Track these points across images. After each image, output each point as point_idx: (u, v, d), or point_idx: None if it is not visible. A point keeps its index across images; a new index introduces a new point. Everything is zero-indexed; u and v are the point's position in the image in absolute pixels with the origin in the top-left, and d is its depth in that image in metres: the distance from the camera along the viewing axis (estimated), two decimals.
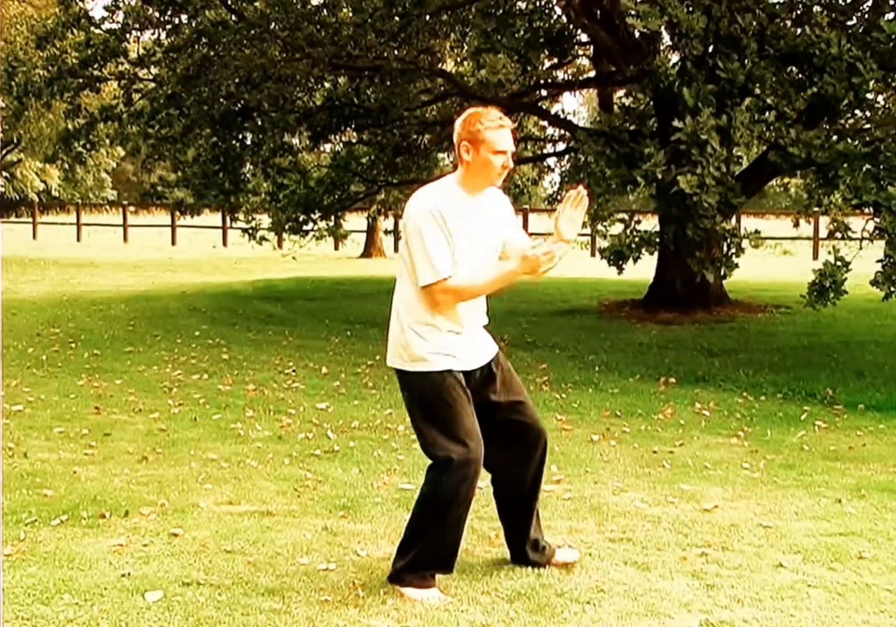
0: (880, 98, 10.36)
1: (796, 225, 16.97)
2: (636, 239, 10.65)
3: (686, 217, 9.49)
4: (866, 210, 10.23)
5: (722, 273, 10.57)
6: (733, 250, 10.17)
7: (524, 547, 4.29)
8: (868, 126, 10.42)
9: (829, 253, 9.60)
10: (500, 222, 4.09)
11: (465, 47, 15.63)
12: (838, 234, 10.41)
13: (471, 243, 3.95)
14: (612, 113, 13.93)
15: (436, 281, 3.87)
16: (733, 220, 11.30)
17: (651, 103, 12.57)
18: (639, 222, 12.71)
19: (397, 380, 4.15)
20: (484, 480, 5.52)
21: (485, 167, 3.95)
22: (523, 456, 4.20)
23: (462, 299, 3.97)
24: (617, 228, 13.35)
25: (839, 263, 9.15)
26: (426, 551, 4.03)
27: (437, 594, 3.96)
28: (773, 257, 23.82)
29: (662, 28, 10.37)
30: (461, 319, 4.01)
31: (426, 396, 4.02)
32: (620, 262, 10.79)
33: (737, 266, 10.40)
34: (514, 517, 4.31)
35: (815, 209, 10.65)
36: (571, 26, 13.50)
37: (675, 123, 9.00)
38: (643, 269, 13.78)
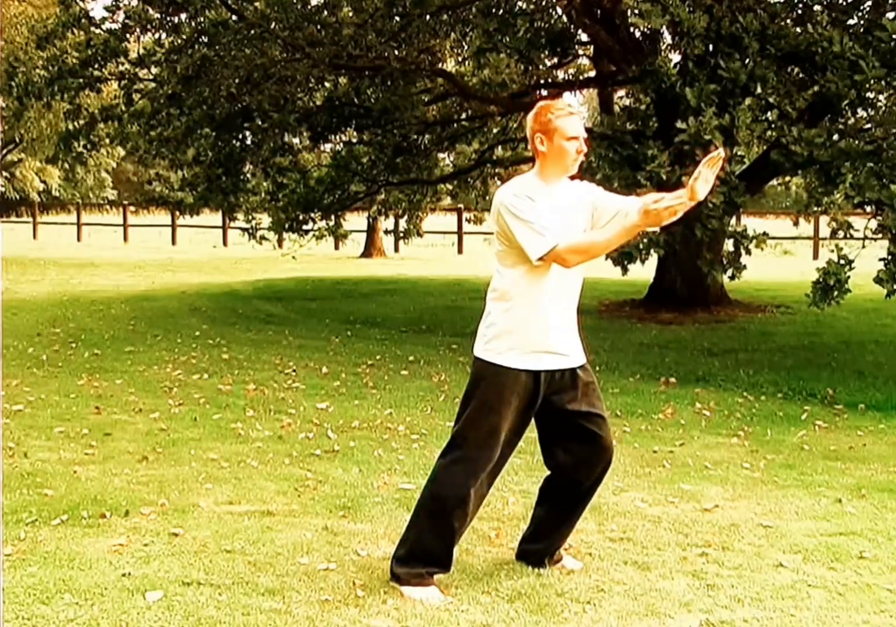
0: (882, 97, 10.34)
1: (796, 224, 16.97)
2: (644, 240, 10.64)
3: (693, 217, 9.48)
4: (868, 209, 10.22)
5: (731, 274, 10.56)
6: (742, 251, 10.17)
7: (544, 550, 4.29)
8: (869, 125, 10.42)
9: (832, 251, 9.59)
10: (582, 208, 4.08)
11: (466, 47, 15.62)
12: (840, 233, 10.40)
13: (561, 225, 3.95)
14: (613, 114, 13.93)
15: (549, 248, 3.88)
16: (734, 220, 11.29)
17: (652, 104, 12.55)
18: None
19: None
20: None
21: (560, 154, 4.01)
22: (586, 466, 4.19)
23: (589, 255, 3.97)
24: None
25: (842, 261, 9.15)
26: (421, 545, 4.05)
27: (437, 593, 3.96)
28: (774, 257, 23.78)
29: (664, 28, 10.38)
30: (542, 320, 4.00)
31: (475, 380, 4.06)
32: (626, 263, 10.78)
33: (744, 267, 10.41)
34: (553, 517, 4.30)
35: (815, 209, 10.62)
36: (572, 26, 13.49)
37: (679, 124, 8.99)
38: (643, 269, 13.77)
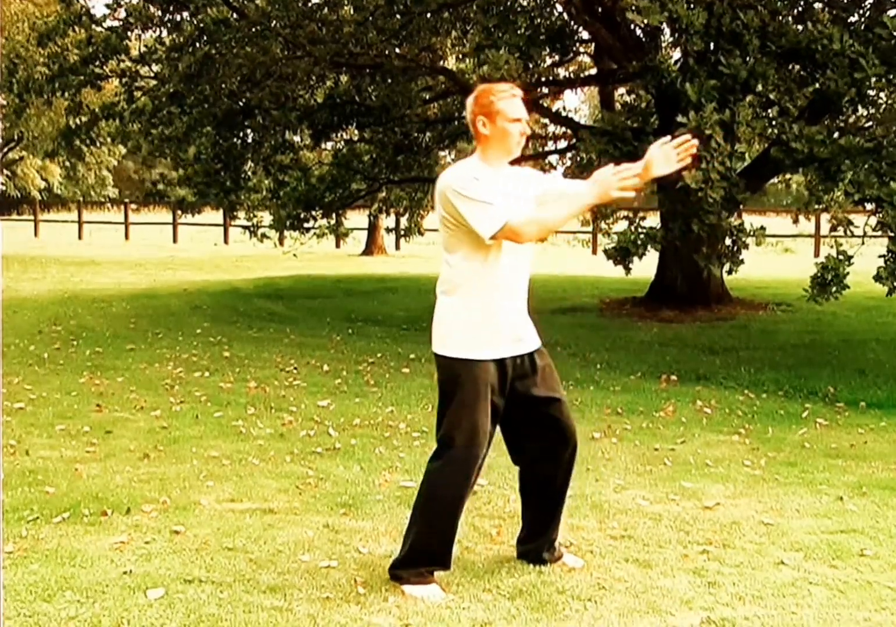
0: (882, 95, 10.34)
1: (796, 221, 16.97)
2: (641, 236, 10.64)
3: (691, 213, 9.49)
4: (868, 206, 10.22)
5: (728, 269, 10.56)
6: (739, 246, 10.17)
7: (541, 546, 4.29)
8: (870, 123, 10.42)
9: (831, 247, 9.61)
10: (528, 192, 4.06)
11: (467, 45, 15.61)
12: (840, 229, 10.40)
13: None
14: (613, 111, 13.92)
15: (501, 224, 3.85)
16: (734, 216, 11.27)
17: (653, 101, 12.55)
18: (643, 219, 12.69)
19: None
20: (484, 478, 5.54)
21: (503, 137, 4.00)
22: (553, 453, 4.20)
23: (544, 228, 3.98)
24: (620, 226, 13.34)
25: (841, 257, 9.16)
26: (420, 546, 4.05)
27: (438, 591, 3.97)
28: (775, 255, 23.83)
29: (663, 25, 10.36)
30: (498, 306, 3.99)
31: (447, 380, 4.05)
32: (626, 261, 10.77)
33: (742, 262, 10.40)
34: (538, 514, 4.31)
35: (817, 206, 10.64)
36: (573, 23, 13.48)
37: (679, 118, 9.00)
38: (644, 267, 13.78)
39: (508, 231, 3.86)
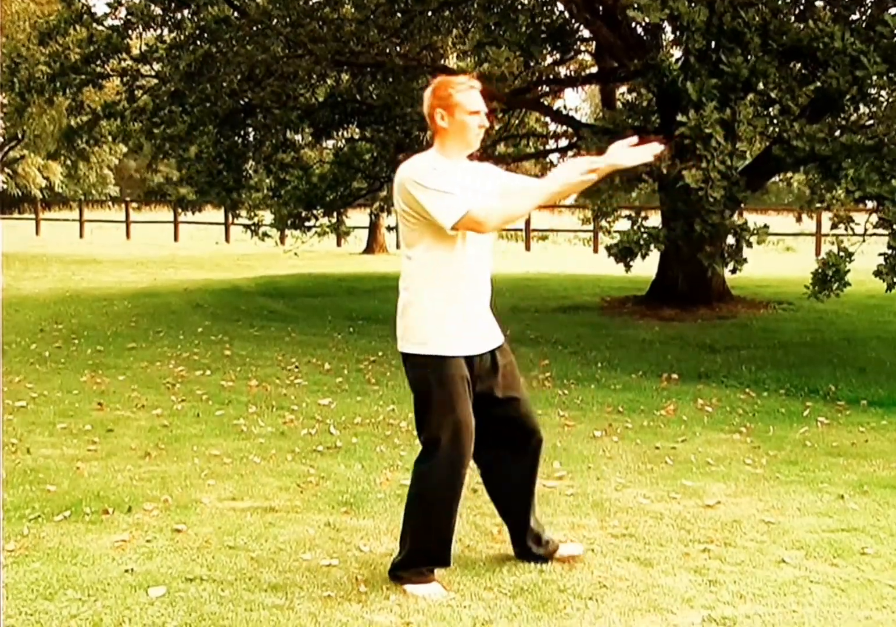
0: (883, 93, 10.34)
1: (799, 219, 16.96)
2: (644, 235, 10.63)
3: (694, 212, 9.49)
4: (869, 204, 10.22)
5: (731, 268, 10.55)
6: (742, 244, 10.16)
7: (526, 543, 4.29)
8: (871, 121, 10.42)
9: (832, 244, 9.61)
10: (487, 186, 4.03)
11: (467, 43, 15.61)
12: (841, 226, 10.39)
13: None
14: (614, 109, 13.91)
15: (463, 213, 3.83)
16: (735, 215, 11.26)
17: (654, 99, 12.55)
18: (646, 218, 12.65)
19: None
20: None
21: (462, 129, 3.98)
22: (516, 452, 4.19)
23: (506, 216, 3.95)
24: (620, 225, 13.31)
25: (842, 253, 9.16)
26: (418, 546, 4.05)
27: (439, 589, 3.97)
28: (776, 253, 23.83)
29: (665, 23, 10.37)
30: (464, 298, 3.97)
31: (423, 380, 4.01)
32: (628, 259, 10.76)
33: (745, 260, 10.39)
34: (511, 514, 4.31)
35: (819, 205, 10.62)
36: (573, 22, 13.48)
37: (679, 117, 8.99)
38: (645, 266, 13.76)
39: (469, 220, 3.84)
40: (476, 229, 3.90)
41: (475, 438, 4.06)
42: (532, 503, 4.30)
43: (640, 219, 11.42)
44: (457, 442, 3.95)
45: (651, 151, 4.01)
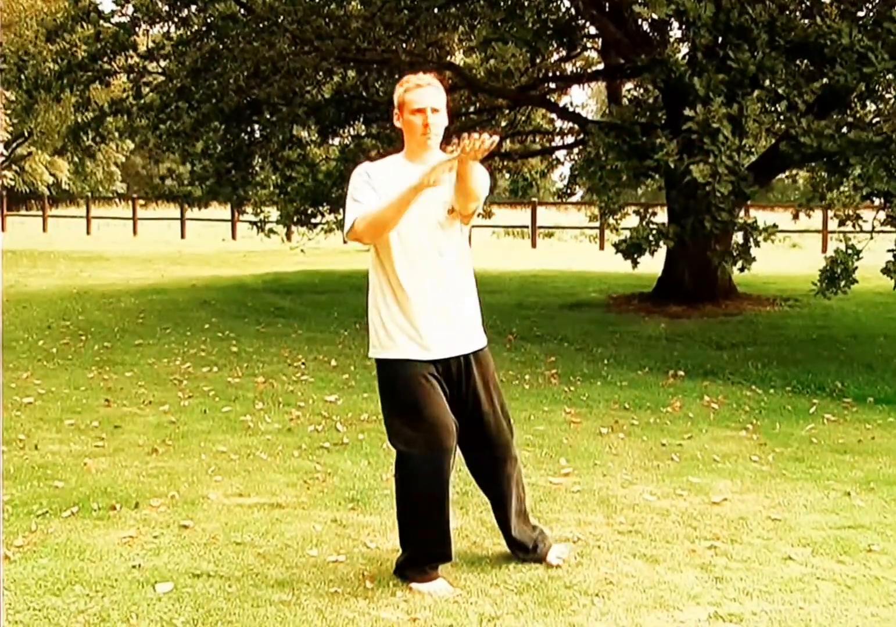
0: (891, 90, 10.31)
1: (796, 217, 16.94)
2: (653, 231, 10.61)
3: (703, 209, 9.47)
4: (876, 202, 10.21)
5: (740, 266, 10.53)
6: (751, 243, 10.15)
7: (512, 548, 4.29)
8: (878, 119, 10.40)
9: (840, 241, 9.60)
10: (444, 187, 3.83)
11: (474, 39, 15.59)
12: (849, 223, 10.39)
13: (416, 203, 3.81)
14: (621, 105, 13.89)
15: (350, 224, 3.80)
16: (742, 212, 11.27)
17: (660, 95, 12.53)
18: (654, 214, 12.63)
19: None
20: None
21: (409, 128, 3.94)
22: (486, 467, 4.17)
23: (375, 227, 3.80)
24: (627, 221, 13.30)
25: (850, 251, 9.15)
26: (416, 546, 4.05)
27: (445, 586, 3.97)
28: (782, 250, 23.76)
29: (671, 19, 10.35)
30: (408, 302, 3.89)
31: (388, 384, 4.00)
32: (636, 255, 10.75)
33: (754, 259, 10.38)
34: (498, 519, 4.30)
35: (822, 202, 10.61)
36: (580, 18, 13.46)
37: (687, 112, 8.98)
38: (651, 263, 13.76)
39: (353, 232, 3.82)
40: (360, 240, 3.85)
41: (460, 442, 4.02)
42: (508, 514, 4.23)
43: (647, 216, 11.42)
44: (430, 440, 3.88)
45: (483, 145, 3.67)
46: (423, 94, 3.88)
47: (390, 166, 3.96)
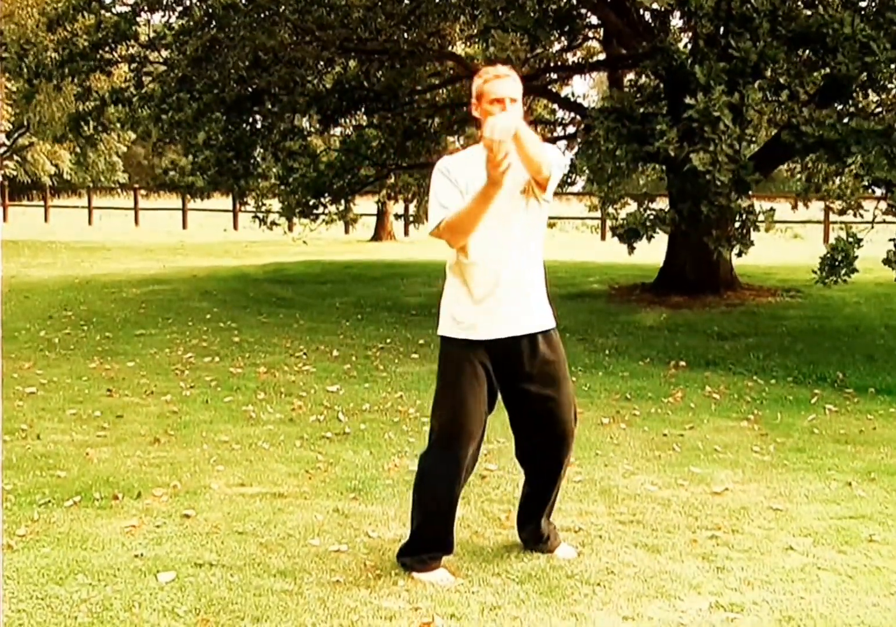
0: (894, 79, 10.28)
1: (794, 207, 16.94)
2: (650, 216, 10.58)
3: (700, 194, 9.46)
4: (877, 192, 10.19)
5: (738, 251, 10.52)
6: (749, 227, 10.13)
7: (530, 535, 4.31)
8: (880, 109, 10.38)
9: (842, 229, 9.59)
10: (521, 176, 3.86)
11: (475, 28, 15.55)
12: (850, 213, 10.37)
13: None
14: (623, 91, 13.85)
15: (436, 224, 3.87)
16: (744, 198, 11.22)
17: (661, 84, 12.50)
18: (652, 200, 12.60)
19: None
20: (494, 463, 5.55)
21: (487, 118, 3.92)
22: (541, 452, 4.18)
23: (458, 231, 3.84)
24: (627, 211, 13.25)
25: (851, 239, 9.14)
26: (420, 531, 4.08)
27: (447, 575, 3.98)
28: (784, 241, 23.73)
29: (674, 9, 10.32)
30: (478, 284, 3.95)
31: (439, 360, 4.08)
32: (633, 241, 10.73)
33: (752, 243, 10.35)
34: (528, 504, 4.32)
35: (818, 193, 10.60)
36: (581, 7, 13.42)
37: (688, 100, 8.96)
38: (653, 253, 13.76)
39: (439, 235, 3.89)
40: (447, 235, 3.88)
41: (513, 425, 4.14)
42: (545, 504, 4.28)
43: (646, 202, 11.39)
44: (451, 425, 3.95)
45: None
46: (503, 85, 3.91)
47: (471, 158, 3.95)
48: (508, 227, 3.93)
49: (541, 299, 4.09)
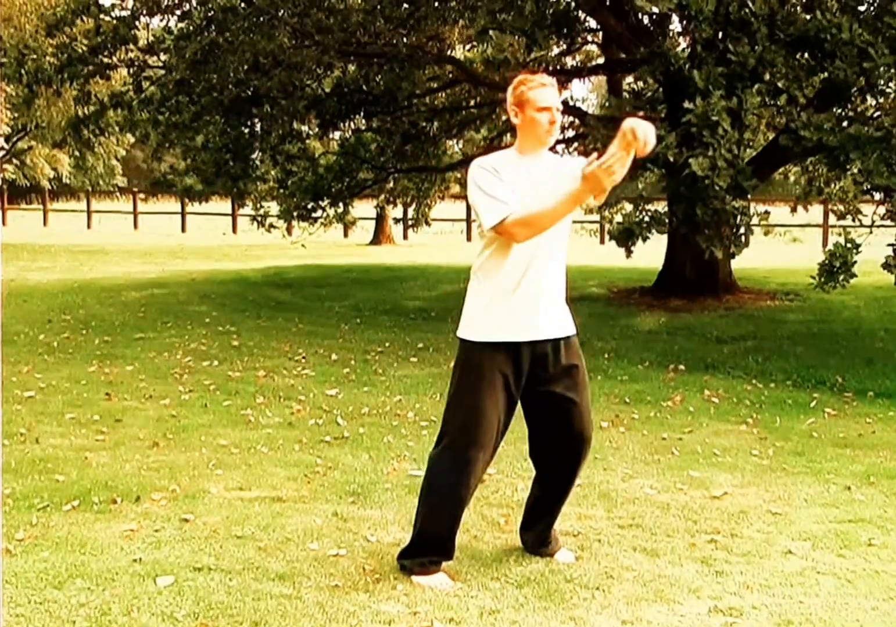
0: (891, 84, 10.29)
1: (794, 210, 16.95)
2: (646, 217, 10.58)
3: (696, 197, 9.46)
4: (877, 196, 10.19)
5: (732, 251, 10.52)
6: (743, 229, 10.13)
7: (535, 538, 4.30)
8: (878, 114, 10.38)
9: (839, 234, 9.59)
10: (560, 183, 3.94)
11: (474, 31, 15.55)
12: (849, 217, 10.37)
13: (525, 196, 3.91)
14: (621, 98, 13.86)
15: (500, 219, 3.85)
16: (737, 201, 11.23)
17: (660, 89, 12.51)
18: (649, 202, 12.61)
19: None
20: (493, 467, 5.55)
21: (532, 126, 3.99)
22: (558, 455, 4.18)
23: (535, 229, 3.90)
24: (624, 213, 13.25)
25: (849, 244, 9.14)
26: (423, 534, 4.07)
27: (446, 579, 3.98)
28: (783, 244, 23.75)
29: (672, 13, 10.33)
30: (517, 286, 3.97)
31: (457, 362, 4.06)
32: (630, 243, 10.72)
33: (746, 244, 10.35)
34: (537, 506, 4.32)
35: (818, 196, 10.60)
36: (579, 11, 13.43)
37: (686, 104, 8.97)
38: (652, 257, 13.77)
39: (503, 228, 3.87)
40: (510, 238, 3.91)
41: (531, 429, 4.16)
42: (557, 508, 4.31)
43: (642, 203, 11.39)
44: (466, 431, 3.96)
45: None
46: (549, 94, 3.99)
47: (510, 161, 3.99)
48: (553, 230, 3.99)
49: (564, 304, 4.17)
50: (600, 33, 14.65)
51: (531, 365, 4.02)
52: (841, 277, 9.08)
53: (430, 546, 4.05)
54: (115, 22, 14.51)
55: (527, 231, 3.89)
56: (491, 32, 11.84)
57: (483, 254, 4.02)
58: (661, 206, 12.19)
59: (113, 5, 14.80)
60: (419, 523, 4.10)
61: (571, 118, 16.03)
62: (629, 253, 11.06)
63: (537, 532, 4.30)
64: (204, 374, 8.54)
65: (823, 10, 9.40)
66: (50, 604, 3.72)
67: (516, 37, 11.92)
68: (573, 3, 12.91)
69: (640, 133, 3.66)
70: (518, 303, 3.98)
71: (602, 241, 24.40)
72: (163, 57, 15.09)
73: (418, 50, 13.61)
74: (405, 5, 13.30)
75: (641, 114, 3.37)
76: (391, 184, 17.03)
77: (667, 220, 10.52)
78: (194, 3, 14.37)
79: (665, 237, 12.96)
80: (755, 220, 10.26)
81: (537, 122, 3.97)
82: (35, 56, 14.90)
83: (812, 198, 11.79)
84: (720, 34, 9.75)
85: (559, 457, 4.18)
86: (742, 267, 13.14)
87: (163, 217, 31.77)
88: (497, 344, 3.97)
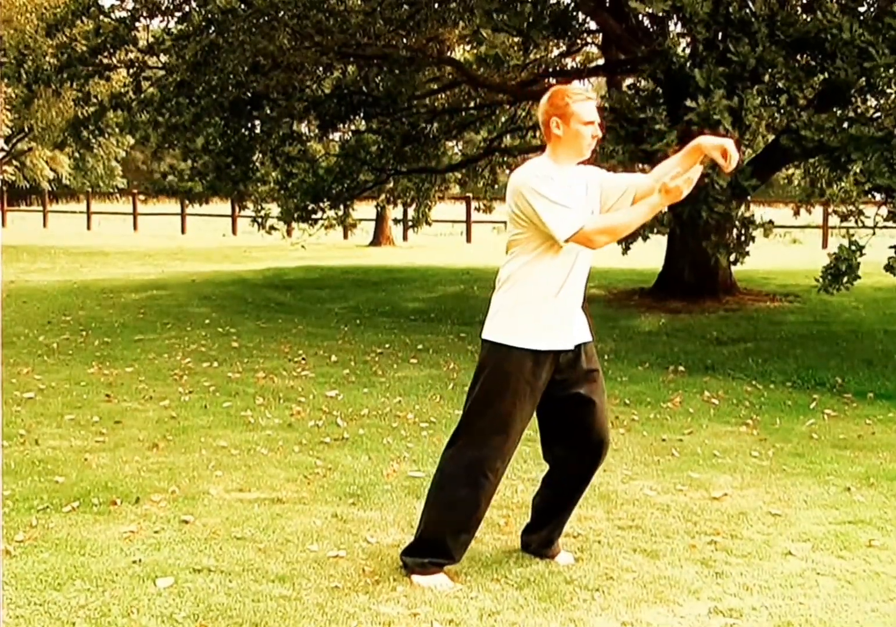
0: (892, 84, 10.28)
1: (797, 213, 16.95)
2: None
3: (700, 199, 9.46)
4: (877, 197, 10.19)
5: (734, 258, 10.53)
6: (747, 237, 10.13)
7: (540, 541, 4.30)
8: (879, 114, 10.38)
9: (843, 237, 9.59)
10: (592, 192, 4.09)
11: (469, 30, 15.56)
12: (851, 219, 10.37)
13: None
14: (621, 92, 13.85)
15: (577, 229, 3.89)
16: (744, 207, 11.22)
17: (660, 89, 12.51)
18: None
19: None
20: None
21: (576, 139, 4.02)
22: (574, 458, 4.19)
23: (615, 236, 4.06)
24: None
25: (853, 247, 9.14)
26: (428, 535, 4.06)
27: (446, 580, 3.98)
28: (783, 245, 23.79)
29: (671, 14, 10.31)
30: (558, 294, 3.99)
31: (482, 364, 4.06)
32: (628, 241, 10.72)
33: (747, 253, 10.36)
34: (547, 509, 4.32)
35: (821, 198, 10.60)
36: (578, 12, 13.43)
37: (688, 102, 8.97)
38: (652, 258, 13.77)
39: (582, 236, 3.91)
40: (587, 245, 3.97)
41: (549, 430, 4.18)
42: (568, 511, 4.33)
43: None
44: (488, 438, 3.97)
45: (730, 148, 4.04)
46: (593, 108, 4.07)
47: (553, 171, 4.03)
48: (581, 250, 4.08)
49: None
50: (600, 35, 14.65)
51: (566, 367, 4.06)
52: (845, 280, 9.08)
53: (432, 547, 4.04)
54: (114, 23, 14.51)
55: (608, 238, 3.99)
56: (483, 32, 11.82)
57: (519, 259, 4.01)
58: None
59: (113, 6, 14.81)
60: (424, 523, 4.09)
61: None
62: (626, 250, 11.05)
63: (544, 535, 4.30)
64: (204, 376, 8.54)
65: (824, 10, 9.39)
66: (49, 606, 3.72)
67: (513, 37, 11.90)
68: (572, 4, 12.92)
69: (732, 151, 4.00)
70: (560, 309, 4.02)
71: None
72: (163, 58, 15.10)
73: (418, 51, 13.62)
74: (405, 7, 13.31)
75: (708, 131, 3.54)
76: (391, 185, 17.04)
77: (668, 220, 10.49)
78: (194, 5, 14.37)
79: (665, 238, 12.96)
80: (759, 230, 10.26)
81: (581, 136, 4.02)
82: (35, 56, 14.91)
83: (814, 199, 11.79)
84: (720, 35, 9.74)
85: (578, 459, 4.19)
86: (742, 268, 13.12)
87: (162, 218, 31.78)
88: (538, 352, 3.98)
